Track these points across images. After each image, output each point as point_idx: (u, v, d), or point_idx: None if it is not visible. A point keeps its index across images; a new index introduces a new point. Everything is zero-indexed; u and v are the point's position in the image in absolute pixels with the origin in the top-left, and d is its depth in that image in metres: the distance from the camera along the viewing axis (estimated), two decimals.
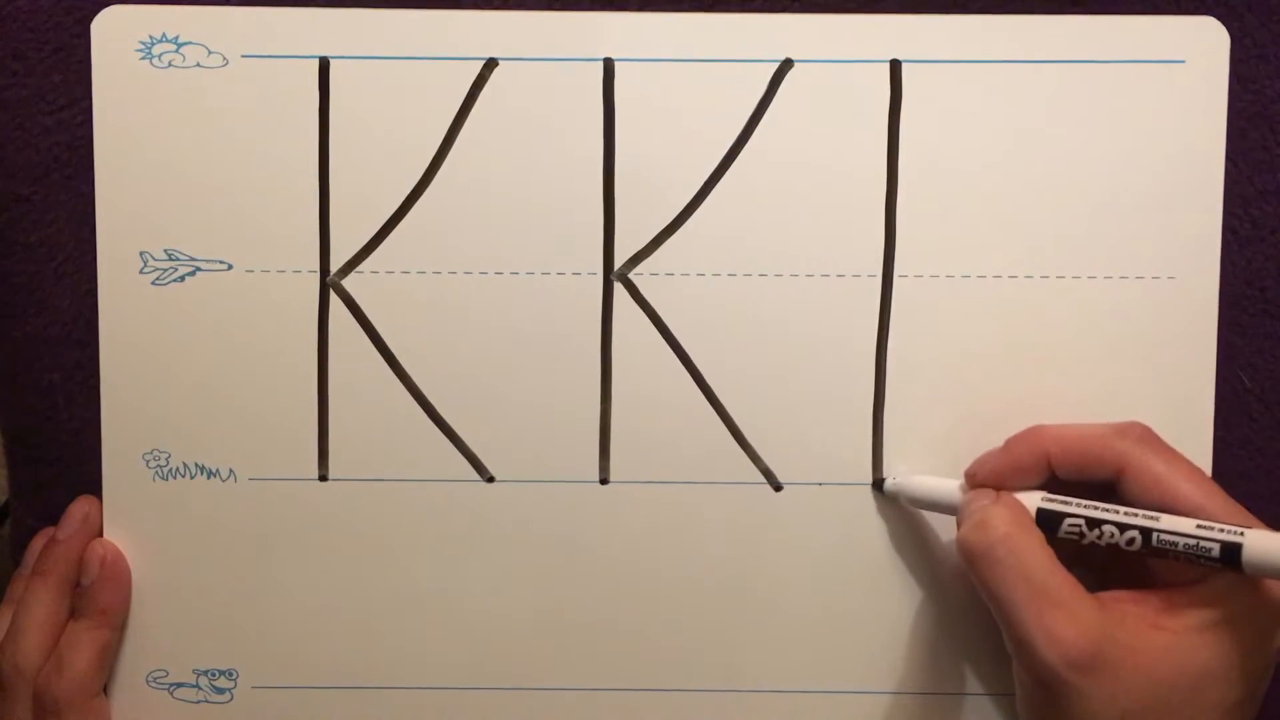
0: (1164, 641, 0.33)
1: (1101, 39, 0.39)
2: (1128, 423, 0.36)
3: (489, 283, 0.40)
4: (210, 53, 0.39)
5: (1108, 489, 0.36)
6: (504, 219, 0.40)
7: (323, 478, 0.41)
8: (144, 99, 0.40)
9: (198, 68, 0.40)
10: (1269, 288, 0.41)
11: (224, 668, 0.41)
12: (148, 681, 0.41)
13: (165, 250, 0.40)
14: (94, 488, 0.41)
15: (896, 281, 0.40)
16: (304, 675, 0.41)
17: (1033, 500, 0.36)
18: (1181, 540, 0.33)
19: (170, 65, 0.39)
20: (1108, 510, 0.35)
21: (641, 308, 0.40)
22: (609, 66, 0.40)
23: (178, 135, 0.40)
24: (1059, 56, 0.39)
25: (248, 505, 0.41)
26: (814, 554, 0.41)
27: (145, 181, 0.40)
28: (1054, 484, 0.37)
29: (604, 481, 0.41)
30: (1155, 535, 0.34)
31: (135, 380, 0.40)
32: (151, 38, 0.39)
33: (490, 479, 0.41)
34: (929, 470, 0.40)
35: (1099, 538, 0.34)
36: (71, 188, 0.40)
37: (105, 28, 0.39)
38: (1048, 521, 0.35)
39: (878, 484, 0.40)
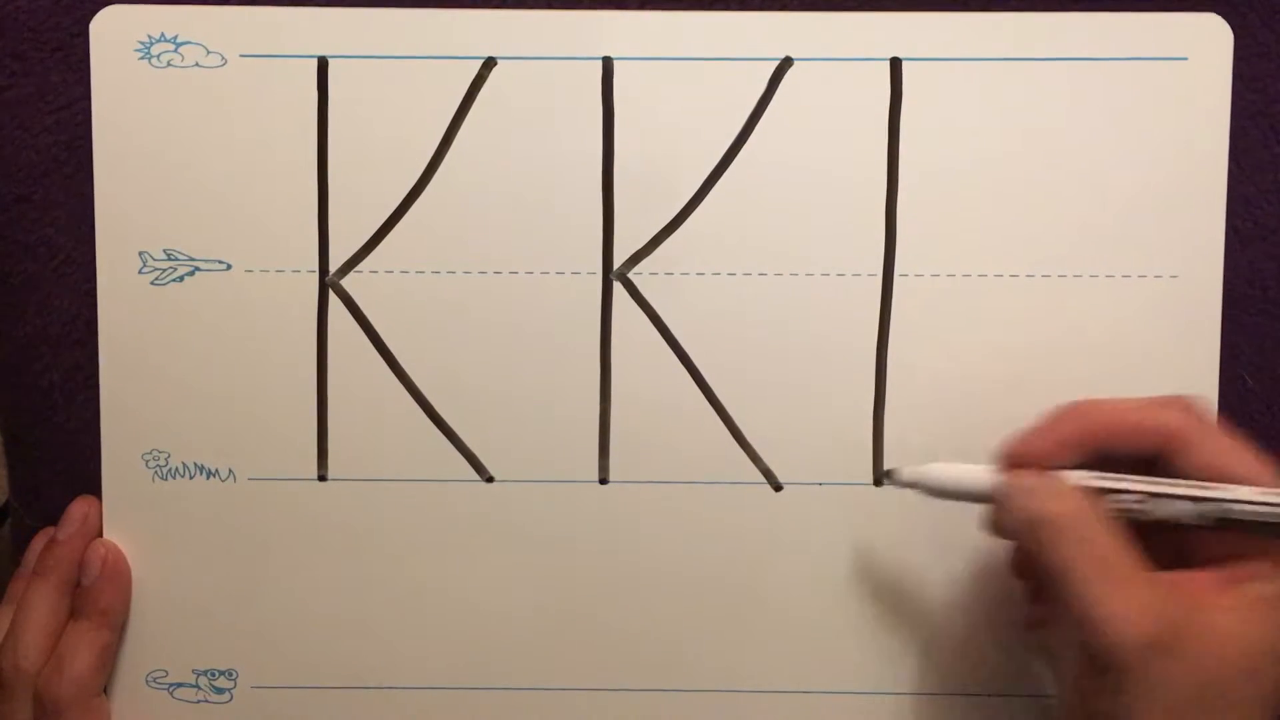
0: (1226, 620, 0.32)
1: (1104, 36, 0.39)
2: (1174, 395, 0.35)
3: (488, 282, 0.40)
4: (209, 52, 0.39)
5: (1147, 465, 0.35)
6: (503, 218, 0.40)
7: (322, 478, 0.41)
8: (143, 99, 0.40)
9: (196, 67, 0.40)
10: (1271, 287, 0.41)
11: (224, 668, 0.41)
12: (147, 681, 0.41)
13: (164, 250, 0.40)
14: (94, 488, 0.41)
15: (896, 281, 0.40)
16: (304, 675, 0.41)
17: (1084, 478, 0.34)
18: (1257, 509, 0.32)
19: (169, 65, 0.39)
20: (1164, 483, 0.34)
21: (641, 307, 0.40)
22: (608, 65, 0.39)
23: (177, 135, 0.40)
24: (1060, 54, 0.39)
25: (247, 505, 0.41)
26: (814, 554, 0.41)
27: (144, 181, 0.40)
28: (1092, 462, 0.35)
29: (604, 481, 0.41)
30: (1229, 506, 0.33)
31: (134, 380, 0.40)
32: (150, 37, 0.39)
33: (490, 479, 0.41)
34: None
35: (1151, 512, 0.33)
36: (71, 188, 0.40)
37: (104, 27, 0.39)
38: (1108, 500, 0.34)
39: (885, 475, 0.39)
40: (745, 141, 0.40)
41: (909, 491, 0.40)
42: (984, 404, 0.40)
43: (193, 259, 0.40)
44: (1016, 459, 0.36)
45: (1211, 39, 0.39)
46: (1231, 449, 0.34)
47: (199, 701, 0.41)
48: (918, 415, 0.40)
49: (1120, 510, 0.34)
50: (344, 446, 0.41)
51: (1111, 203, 0.40)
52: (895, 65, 0.39)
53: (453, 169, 0.40)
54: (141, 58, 0.40)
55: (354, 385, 0.40)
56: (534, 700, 0.41)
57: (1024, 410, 0.39)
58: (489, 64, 0.40)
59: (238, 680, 0.41)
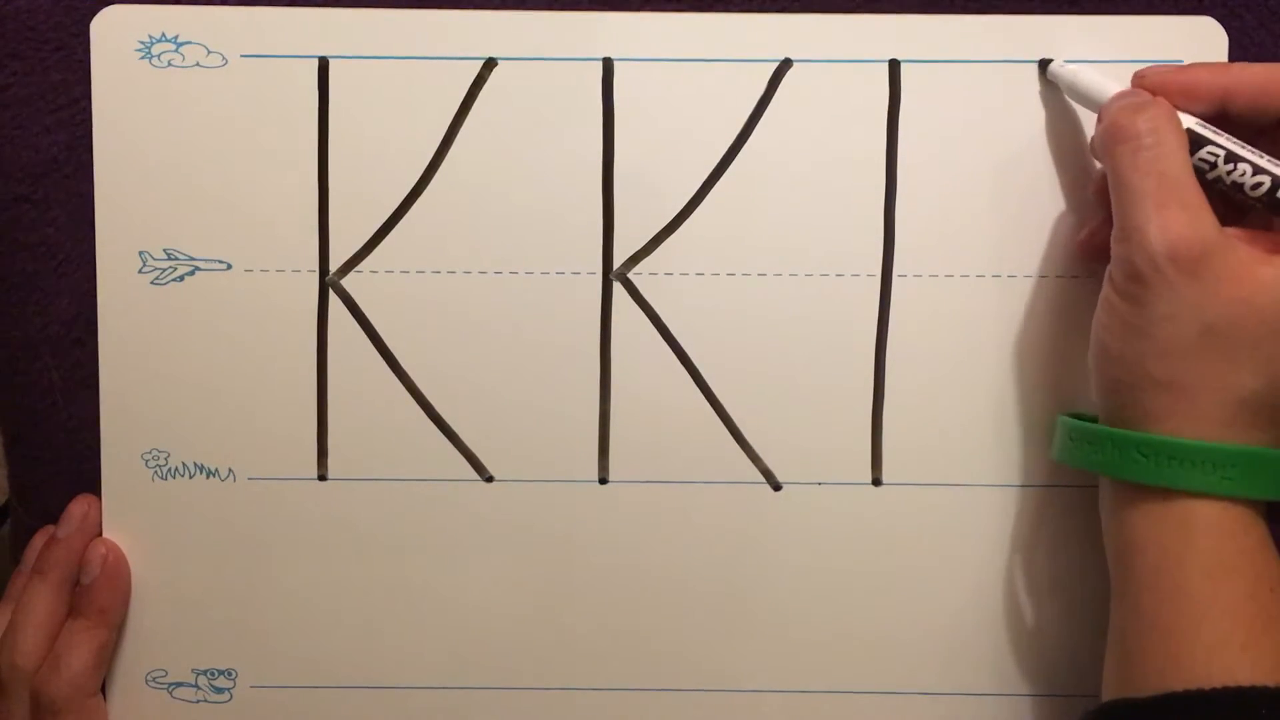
0: (1270, 274, 0.33)
1: (1100, 39, 0.39)
2: None
3: (488, 282, 0.40)
4: (210, 52, 0.39)
5: (1266, 137, 0.35)
6: (503, 219, 0.40)
7: (322, 477, 0.41)
8: (143, 99, 0.40)
9: (197, 67, 0.40)
10: None
11: (223, 667, 0.41)
12: (147, 681, 0.41)
13: (164, 250, 0.40)
14: (93, 487, 0.41)
15: (896, 281, 0.40)
16: (303, 675, 0.41)
17: (1186, 121, 0.35)
18: None
19: (170, 65, 0.40)
20: (1253, 151, 0.34)
21: (641, 307, 0.40)
22: (608, 66, 0.40)
23: (177, 135, 0.40)
24: (1059, 56, 0.39)
25: (247, 505, 0.41)
26: (813, 554, 0.41)
27: (144, 181, 0.40)
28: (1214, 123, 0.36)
29: (603, 481, 0.41)
30: None
31: (134, 380, 0.40)
32: (151, 37, 0.39)
33: (489, 479, 0.41)
34: (929, 470, 0.40)
35: (1229, 173, 0.34)
36: (71, 187, 0.40)
37: (105, 27, 0.39)
38: (1192, 145, 0.35)
39: (1040, 63, 0.39)
40: (745, 142, 0.40)
41: (907, 492, 0.40)
42: (983, 404, 0.40)
43: (193, 259, 0.40)
44: (1146, 84, 0.36)
45: (1207, 42, 0.39)
46: None
47: (198, 701, 0.41)
48: (917, 415, 0.40)
49: (1204, 163, 0.35)
50: (344, 446, 0.41)
51: (1109, 203, 0.40)
52: (894, 66, 0.39)
53: (453, 169, 0.40)
54: (142, 58, 0.40)
55: (354, 385, 0.40)
56: (534, 700, 0.41)
57: (1024, 410, 0.40)
58: (489, 64, 0.40)
59: (237, 680, 0.41)
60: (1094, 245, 0.38)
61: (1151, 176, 0.34)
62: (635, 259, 0.40)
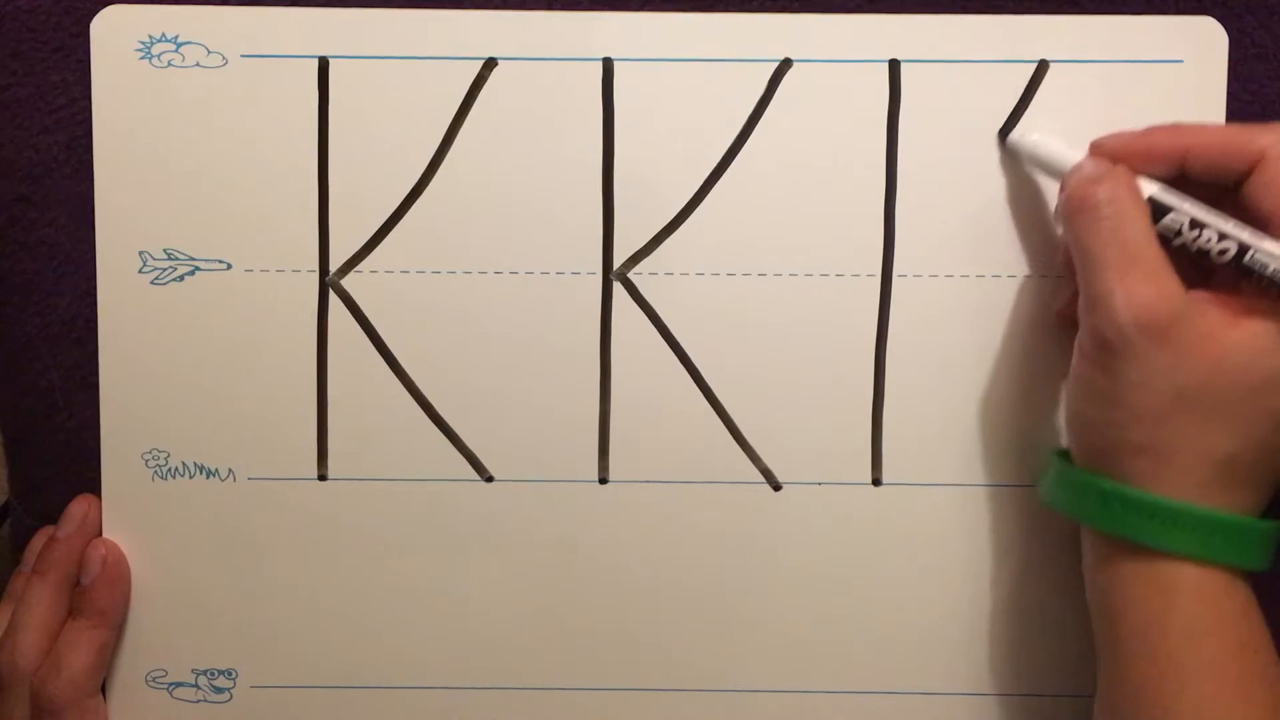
0: (1238, 337, 0.33)
1: (1100, 39, 0.39)
2: (1276, 122, 0.35)
3: (488, 282, 0.40)
4: (210, 52, 0.39)
5: (1229, 196, 0.35)
6: (503, 219, 0.40)
7: (322, 477, 0.41)
8: (143, 99, 0.40)
9: (197, 67, 0.40)
10: None
11: (223, 667, 0.41)
12: (147, 681, 0.41)
13: (164, 250, 0.40)
14: (93, 487, 0.41)
15: (896, 281, 0.40)
16: (303, 675, 0.41)
17: (1148, 187, 0.35)
18: (1273, 264, 0.33)
19: (170, 65, 0.40)
20: (1217, 216, 0.34)
21: (641, 307, 0.40)
22: (608, 66, 0.40)
23: (177, 135, 0.40)
24: (1059, 56, 0.39)
25: (247, 505, 0.41)
26: (813, 554, 0.41)
27: (144, 181, 0.40)
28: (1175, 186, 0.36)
29: (603, 481, 0.41)
30: (1251, 252, 0.33)
31: (134, 380, 0.40)
32: (151, 37, 0.39)
33: (489, 479, 0.41)
34: (929, 470, 0.40)
35: (1195, 239, 0.34)
36: (71, 187, 0.40)
37: (105, 27, 0.39)
38: (1154, 212, 0.35)
39: (1000, 133, 0.39)
40: (745, 142, 0.40)
41: (907, 492, 0.40)
42: (983, 403, 0.40)
43: (193, 259, 0.40)
44: (1103, 152, 0.37)
45: (1207, 42, 0.39)
46: None
47: (198, 701, 0.41)
48: (917, 415, 0.40)
49: (1169, 230, 0.35)
50: (344, 446, 0.41)
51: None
52: (894, 66, 0.39)
53: (453, 169, 0.40)
54: (142, 58, 0.40)
55: (354, 385, 0.40)
56: (534, 700, 0.41)
57: (1024, 409, 0.40)
58: (489, 65, 0.40)
59: (237, 680, 0.41)
60: (1069, 317, 0.38)
61: (1113, 245, 0.34)
62: (635, 259, 0.40)
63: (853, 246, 0.40)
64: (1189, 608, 0.33)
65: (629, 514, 0.41)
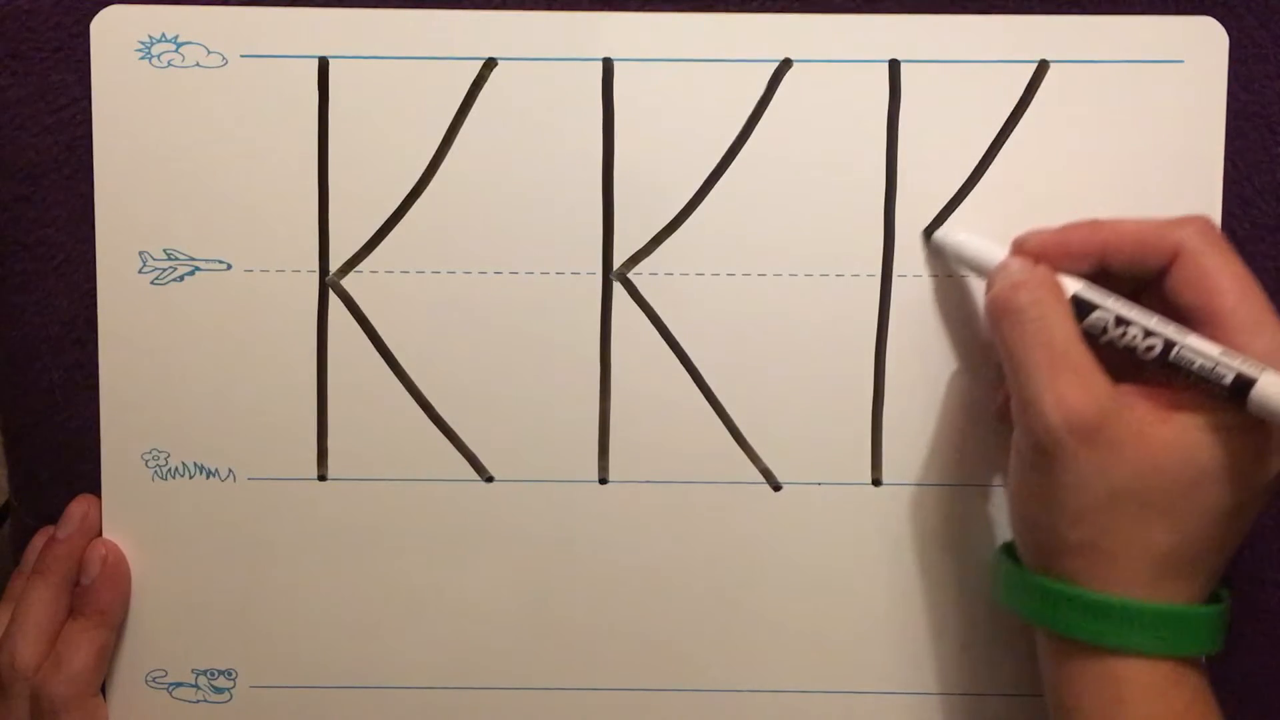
0: (1170, 433, 0.33)
1: (1101, 39, 0.39)
2: (1191, 214, 0.35)
3: (488, 282, 0.40)
4: (209, 52, 0.39)
5: (1152, 288, 0.35)
6: (503, 219, 0.40)
7: (322, 477, 0.41)
8: (143, 99, 0.40)
9: (197, 67, 0.40)
10: (1269, 287, 0.41)
11: (223, 668, 0.41)
12: (147, 681, 0.41)
13: (164, 250, 0.40)
14: (94, 487, 0.41)
15: (896, 281, 0.40)
16: (303, 675, 0.41)
17: (1071, 285, 0.35)
18: (1199, 360, 0.33)
19: (170, 65, 0.40)
20: (1141, 312, 0.34)
21: (641, 307, 0.40)
22: (608, 66, 0.40)
23: (177, 135, 0.40)
24: (1059, 56, 0.39)
25: (247, 505, 0.41)
26: (813, 554, 0.41)
27: (144, 181, 0.40)
28: (1097, 280, 0.36)
29: (603, 481, 0.41)
30: (1176, 348, 0.33)
31: (134, 380, 0.40)
32: (151, 37, 0.39)
33: (489, 479, 0.41)
34: (928, 471, 0.40)
35: (1121, 336, 0.34)
36: (71, 187, 0.40)
37: (105, 27, 0.39)
38: (1079, 309, 0.35)
39: (925, 232, 0.39)
40: (745, 142, 0.40)
41: (907, 492, 0.40)
42: (983, 404, 0.40)
43: (193, 259, 0.40)
44: (1024, 251, 0.37)
45: (1207, 42, 0.39)
46: (1222, 276, 0.34)
47: (198, 701, 0.41)
48: (918, 415, 0.40)
49: (1095, 328, 0.35)
50: (344, 446, 0.41)
51: (1108, 204, 0.40)
52: (894, 67, 0.39)
53: (453, 169, 0.40)
54: (142, 58, 0.40)
55: (354, 385, 0.40)
56: (534, 700, 0.41)
57: None
58: (489, 65, 0.40)
59: (237, 680, 0.41)
60: (1007, 415, 0.37)
61: (1038, 349, 0.34)
62: (635, 259, 0.40)
63: (853, 246, 0.40)
64: (1138, 706, 0.33)
65: (629, 514, 0.41)
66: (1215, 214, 0.40)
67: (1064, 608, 0.34)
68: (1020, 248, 0.37)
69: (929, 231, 0.40)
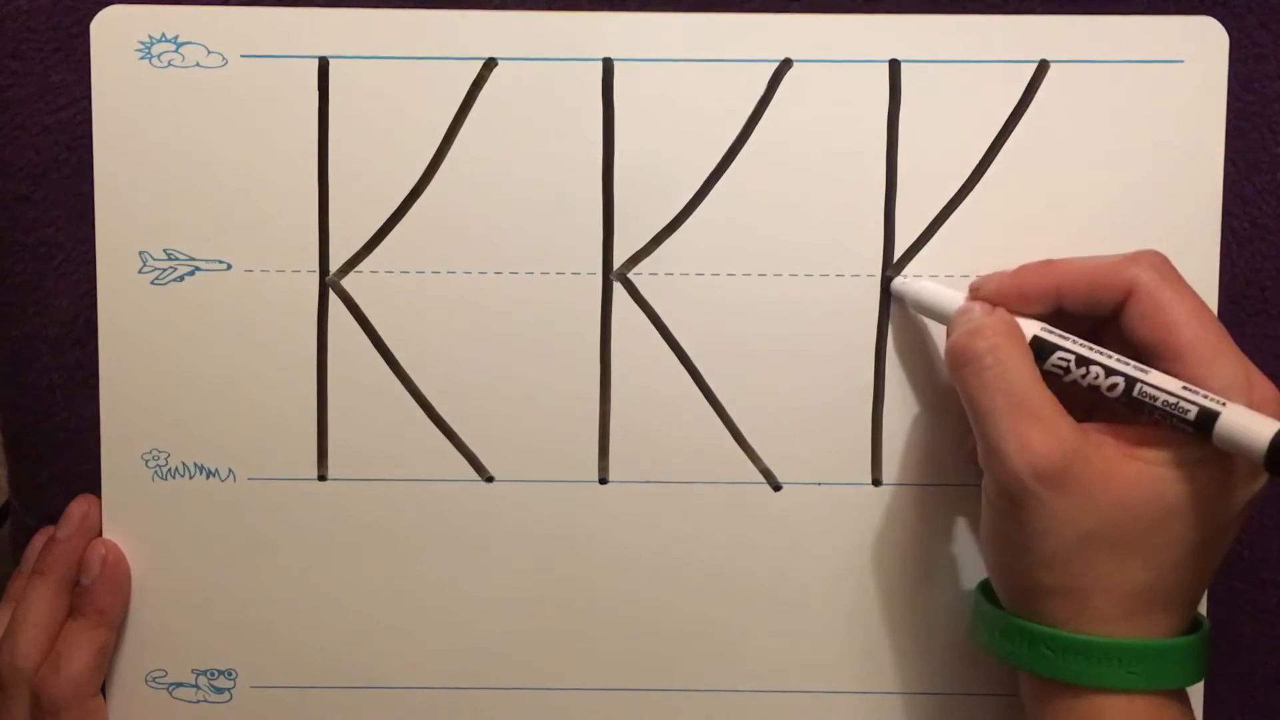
0: (1136, 470, 0.33)
1: (1101, 39, 0.39)
2: (1142, 250, 0.35)
3: (488, 282, 0.40)
4: (210, 52, 0.39)
5: (1110, 325, 0.35)
6: (503, 219, 0.40)
7: (322, 477, 0.41)
8: (143, 99, 0.40)
9: (197, 67, 0.40)
10: (1269, 287, 0.41)
11: (223, 668, 0.41)
12: (147, 681, 0.41)
13: (164, 250, 0.40)
14: (93, 487, 0.41)
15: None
16: (303, 675, 0.41)
17: (1030, 328, 0.35)
18: (1162, 396, 0.33)
19: (170, 65, 0.40)
20: (1101, 352, 0.34)
21: (641, 307, 0.40)
22: (608, 66, 0.40)
23: (177, 135, 0.40)
24: (1058, 56, 0.39)
25: (247, 505, 0.41)
26: (813, 554, 0.41)
27: (144, 181, 0.40)
28: (1056, 320, 0.36)
29: (603, 481, 0.41)
30: (1138, 385, 0.33)
31: (134, 380, 0.40)
32: (151, 37, 0.39)
33: (490, 479, 0.41)
34: (928, 471, 0.40)
35: (1083, 376, 0.34)
36: (71, 187, 0.40)
37: (105, 27, 0.39)
38: (1039, 352, 0.35)
39: (884, 279, 0.40)
40: (745, 142, 0.40)
41: (907, 492, 0.40)
42: None
43: (193, 259, 0.40)
44: (980, 297, 0.37)
45: (1208, 42, 0.39)
46: (1178, 310, 0.34)
47: (198, 701, 0.41)
48: (918, 415, 0.40)
49: (1057, 369, 0.35)
50: (344, 446, 0.41)
51: (1108, 204, 0.40)
52: (894, 67, 0.39)
53: (453, 169, 0.40)
54: (142, 58, 0.40)
55: (354, 385, 0.40)
56: (534, 700, 0.41)
57: None
58: (490, 64, 0.40)
59: (237, 680, 0.41)
60: (975, 461, 0.38)
61: (999, 395, 0.33)
62: (635, 259, 0.40)
63: (853, 246, 0.40)
64: None
65: (629, 514, 0.41)
66: (1215, 214, 0.40)
67: (1041, 648, 0.34)
68: (976, 293, 0.37)
69: (887, 279, 0.40)
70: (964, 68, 0.39)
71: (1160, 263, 0.35)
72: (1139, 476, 0.33)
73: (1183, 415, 0.32)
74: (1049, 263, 0.37)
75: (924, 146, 0.40)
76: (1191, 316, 0.34)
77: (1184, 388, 0.33)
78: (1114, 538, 0.33)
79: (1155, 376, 0.33)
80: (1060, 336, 0.35)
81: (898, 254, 0.40)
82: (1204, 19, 0.39)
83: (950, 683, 0.41)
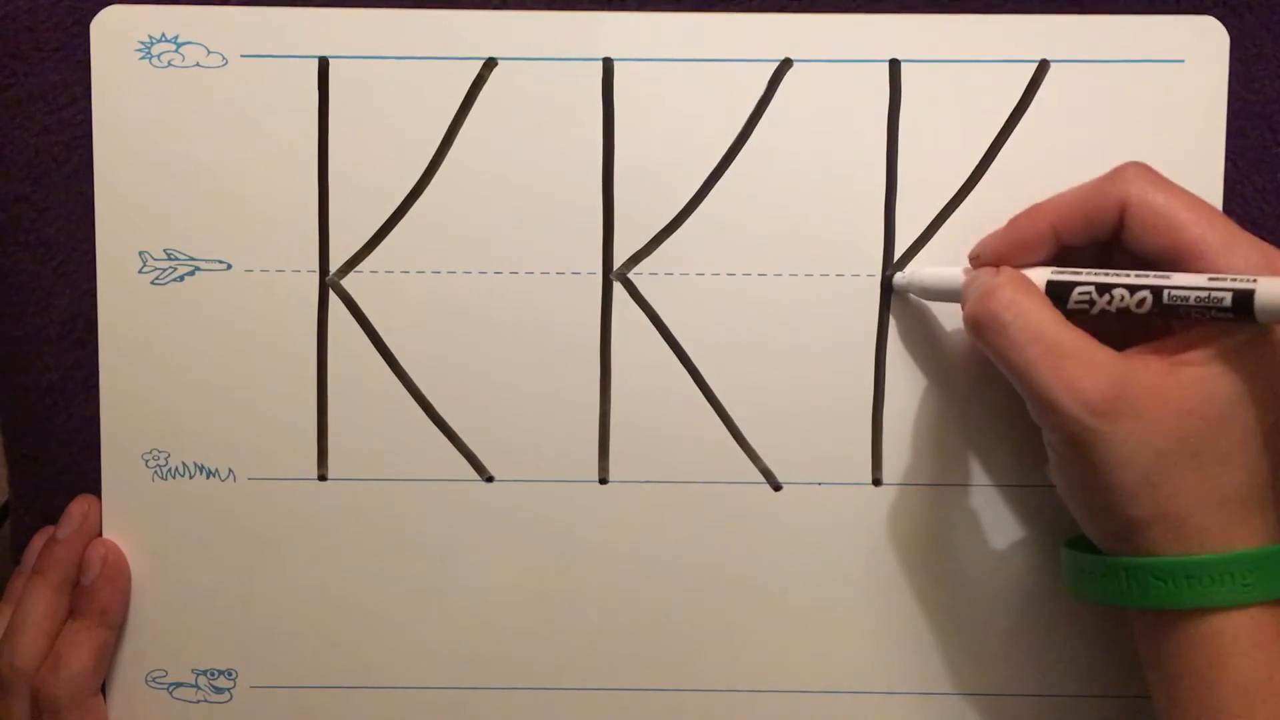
0: (1187, 375, 0.33)
1: (1101, 39, 0.39)
2: (1122, 164, 0.35)
3: (488, 282, 0.40)
4: (210, 52, 0.40)
5: (1115, 248, 0.35)
6: (503, 219, 0.40)
7: (322, 477, 0.41)
8: (143, 99, 0.40)
9: (197, 67, 0.40)
10: None
11: (223, 668, 0.41)
12: (147, 681, 0.41)
13: (165, 250, 0.40)
14: (94, 487, 0.41)
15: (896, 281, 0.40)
16: (303, 675, 0.41)
17: (1040, 275, 0.35)
18: (1193, 294, 0.32)
19: (170, 65, 0.40)
20: (1118, 274, 0.34)
21: (641, 307, 0.40)
22: (608, 66, 0.40)
23: (177, 135, 0.40)
24: (1059, 56, 0.39)
25: (247, 505, 0.41)
26: (813, 554, 0.41)
27: (144, 181, 0.40)
28: (1061, 260, 0.36)
29: (603, 481, 0.41)
30: (1166, 292, 0.33)
31: (134, 380, 0.40)
32: (151, 37, 0.39)
33: (490, 479, 0.41)
34: (928, 471, 0.40)
35: (1109, 303, 0.34)
36: (71, 187, 0.40)
37: (105, 27, 0.40)
38: (1058, 294, 0.34)
39: (886, 277, 0.40)
40: (745, 142, 0.40)
41: (907, 492, 0.40)
42: (983, 404, 0.40)
43: (193, 259, 0.40)
44: (982, 262, 0.37)
45: (1208, 42, 0.39)
46: (1176, 208, 0.34)
47: (198, 701, 0.41)
48: (918, 415, 0.40)
49: (1081, 304, 0.34)
50: (344, 446, 0.41)
51: None
52: (894, 66, 0.39)
53: (453, 169, 0.40)
54: (142, 58, 0.40)
55: (354, 385, 0.40)
56: (534, 700, 0.41)
57: (1023, 410, 0.39)
58: (490, 64, 0.40)
59: (237, 680, 0.41)
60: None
61: (1030, 345, 0.33)
62: (635, 259, 0.40)
63: (853, 246, 0.40)
64: (1240, 660, 0.32)
65: (629, 514, 0.41)
66: None
67: (1149, 580, 0.33)
68: (977, 261, 0.37)
69: (888, 277, 0.40)
70: (964, 68, 0.39)
71: (1145, 171, 0.35)
72: (1191, 380, 0.32)
73: (1219, 304, 0.32)
74: (1037, 206, 0.37)
75: (924, 146, 0.40)
76: (1193, 213, 0.34)
77: (1210, 279, 0.32)
78: (1188, 449, 0.32)
79: (1179, 277, 0.33)
80: (1073, 273, 0.35)
81: (898, 254, 0.40)
82: (1204, 19, 0.39)
83: (950, 683, 0.41)
